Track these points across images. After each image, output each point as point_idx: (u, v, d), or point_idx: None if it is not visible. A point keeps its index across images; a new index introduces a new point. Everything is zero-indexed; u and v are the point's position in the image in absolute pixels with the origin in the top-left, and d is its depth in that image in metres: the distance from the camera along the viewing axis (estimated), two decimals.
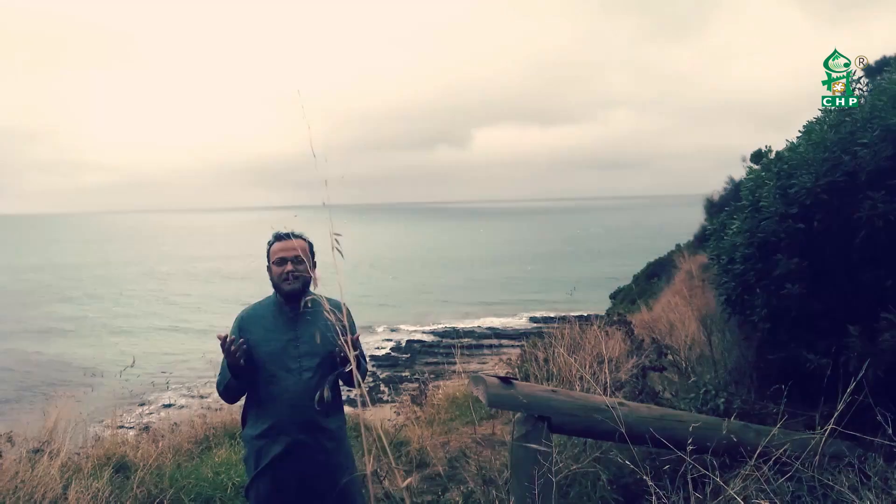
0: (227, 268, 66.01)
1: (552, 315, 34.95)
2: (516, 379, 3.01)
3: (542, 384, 4.60)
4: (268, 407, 2.85)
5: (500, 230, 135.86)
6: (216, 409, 6.48)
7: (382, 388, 22.30)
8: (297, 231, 2.98)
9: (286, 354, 2.85)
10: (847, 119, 3.52)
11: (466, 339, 27.97)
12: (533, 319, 34.66)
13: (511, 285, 50.03)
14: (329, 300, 3.05)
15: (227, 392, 2.90)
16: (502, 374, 3.03)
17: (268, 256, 2.96)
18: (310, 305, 2.90)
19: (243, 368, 2.78)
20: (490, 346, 25.67)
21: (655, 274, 23.13)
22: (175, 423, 5.54)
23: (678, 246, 24.30)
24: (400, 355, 28.23)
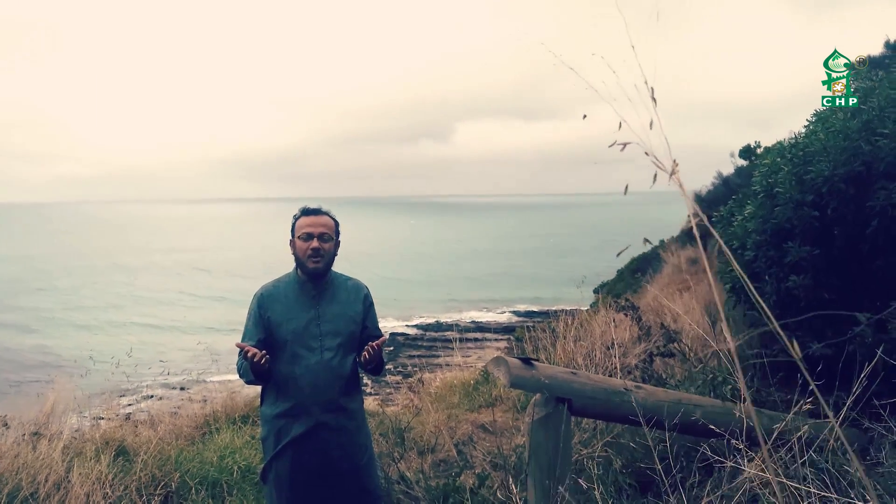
0: (200, 261, 64.77)
1: (535, 309, 35.10)
2: (538, 360, 2.98)
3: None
4: (288, 386, 2.78)
5: (482, 225, 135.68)
6: (198, 402, 6.37)
7: (366, 380, 22.22)
8: (324, 208, 2.90)
9: (308, 333, 2.79)
10: (864, 107, 3.53)
11: (450, 333, 28.02)
12: (516, 313, 34.75)
13: (494, 280, 50.08)
14: (351, 281, 3.00)
15: (251, 383, 2.80)
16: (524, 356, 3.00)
17: (292, 230, 2.86)
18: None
19: (268, 370, 2.69)
20: (475, 340, 25.74)
21: (640, 269, 23.25)
22: (175, 409, 5.45)
23: (662, 242, 24.45)
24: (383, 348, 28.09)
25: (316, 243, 2.78)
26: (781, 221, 3.65)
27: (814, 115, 4.26)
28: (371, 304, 3.00)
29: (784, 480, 2.65)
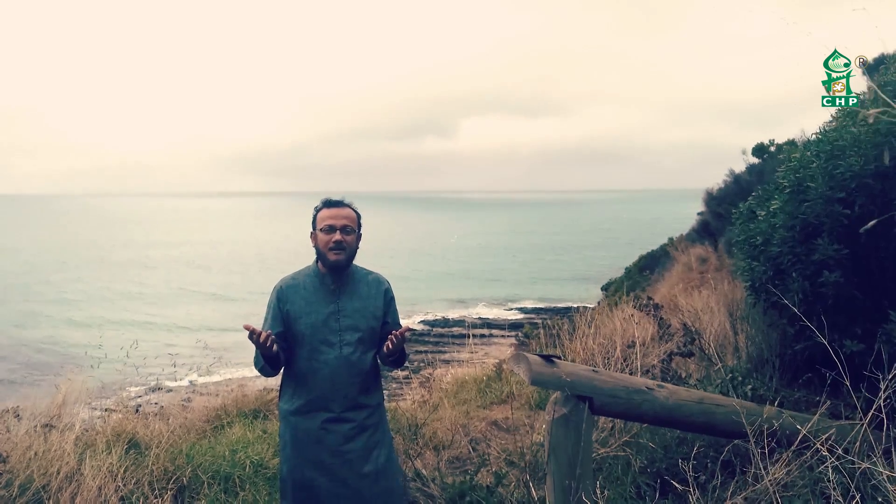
0: (195, 256, 63.81)
1: (542, 306, 35.00)
2: (559, 358, 2.91)
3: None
4: (307, 381, 2.73)
5: (485, 221, 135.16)
6: (206, 395, 6.33)
7: None
8: (346, 200, 2.84)
9: (327, 327, 2.73)
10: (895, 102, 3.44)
11: (457, 329, 27.95)
12: (523, 310, 34.66)
13: (498, 276, 49.92)
14: (372, 275, 2.94)
15: (264, 371, 2.72)
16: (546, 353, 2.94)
17: (314, 222, 2.80)
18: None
19: (277, 354, 2.62)
20: (481, 336, 25.64)
21: (648, 267, 23.18)
22: (184, 402, 5.41)
23: (671, 239, 24.35)
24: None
25: (338, 235, 2.72)
26: (810, 217, 3.57)
27: (839, 110, 4.17)
28: (392, 298, 2.94)
29: None
